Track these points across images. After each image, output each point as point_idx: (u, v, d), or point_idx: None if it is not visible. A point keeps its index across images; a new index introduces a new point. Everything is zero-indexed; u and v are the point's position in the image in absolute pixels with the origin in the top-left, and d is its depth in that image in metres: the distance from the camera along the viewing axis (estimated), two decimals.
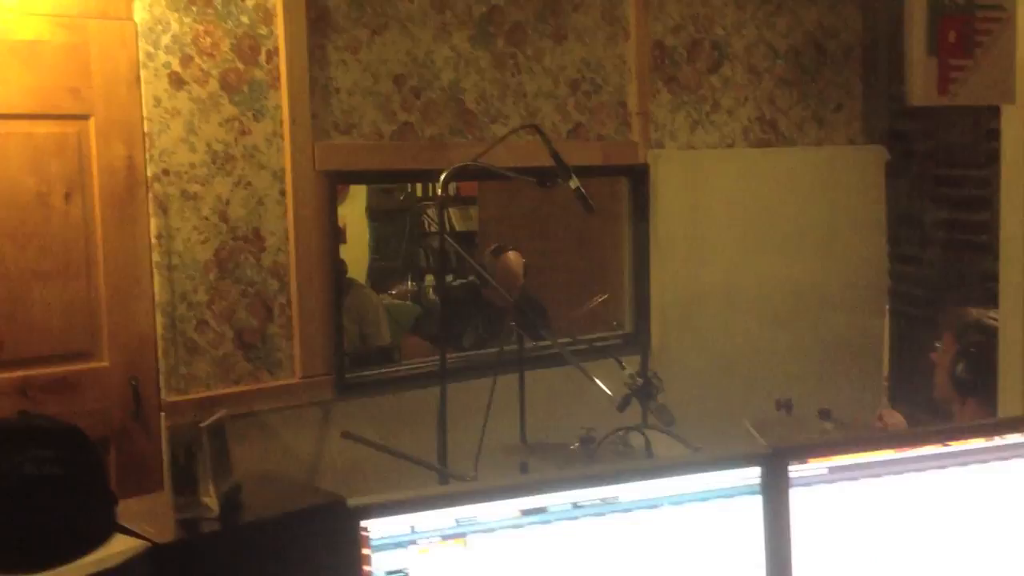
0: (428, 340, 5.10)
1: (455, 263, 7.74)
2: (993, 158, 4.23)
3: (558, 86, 4.03)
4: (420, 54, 3.71)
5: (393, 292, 6.56)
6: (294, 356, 3.57)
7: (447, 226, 7.95)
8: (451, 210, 7.62)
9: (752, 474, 1.61)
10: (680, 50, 4.30)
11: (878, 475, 1.64)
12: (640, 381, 3.18)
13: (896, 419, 3.30)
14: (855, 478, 1.64)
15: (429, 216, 7.42)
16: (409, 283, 6.93)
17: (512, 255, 4.83)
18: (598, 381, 3.23)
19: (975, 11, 2.37)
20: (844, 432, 3.44)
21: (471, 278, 5.30)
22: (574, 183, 3.15)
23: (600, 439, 3.03)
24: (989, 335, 2.78)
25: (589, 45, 4.08)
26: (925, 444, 1.67)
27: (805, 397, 3.58)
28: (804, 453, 1.62)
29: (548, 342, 3.62)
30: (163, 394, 3.34)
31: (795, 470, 1.61)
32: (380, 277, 7.22)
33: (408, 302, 6.52)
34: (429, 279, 7.33)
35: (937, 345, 3.00)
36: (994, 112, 4.11)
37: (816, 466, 1.62)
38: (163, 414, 3.33)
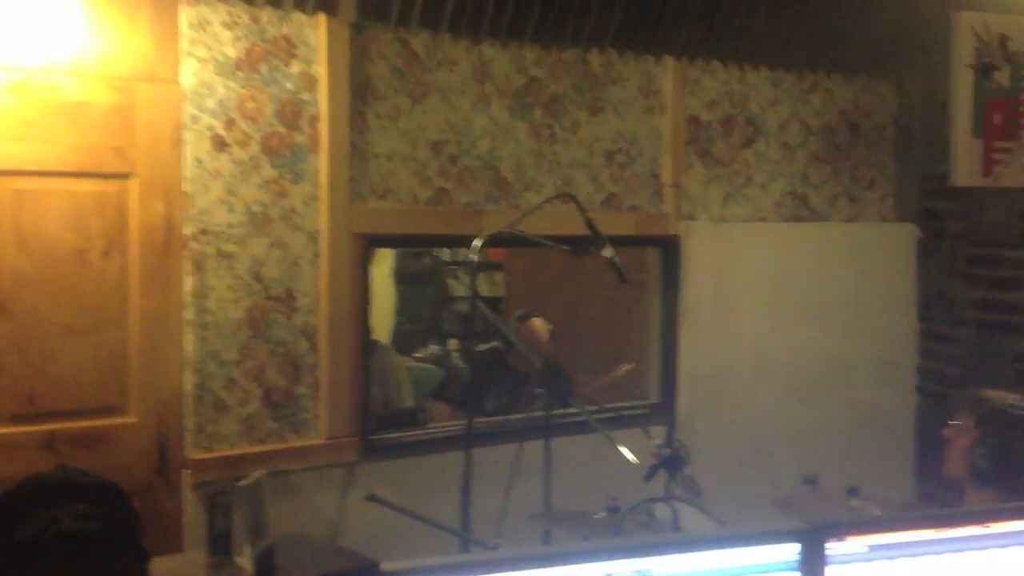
0: (451, 404, 5.08)
1: (479, 327, 7.71)
2: None
3: (593, 157, 4.07)
4: (459, 122, 3.77)
5: (418, 355, 6.54)
6: (320, 417, 3.57)
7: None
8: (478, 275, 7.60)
9: (790, 550, 1.59)
10: (715, 125, 4.35)
11: (917, 555, 1.62)
12: (668, 452, 3.15)
13: None
14: (893, 557, 1.62)
15: (463, 280, 7.43)
16: (434, 347, 6.92)
17: (538, 321, 4.83)
18: (625, 450, 3.20)
19: (1020, 94, 2.38)
20: (872, 510, 3.40)
21: (494, 343, 5.30)
22: (608, 252, 3.17)
23: (626, 509, 3.00)
24: (1013, 424, 2.74)
25: (625, 118, 4.13)
26: (965, 525, 1.65)
27: (831, 473, 3.55)
28: (843, 531, 1.60)
29: (575, 409, 3.60)
30: (188, 451, 3.33)
31: (833, 547, 1.59)
32: (404, 340, 7.22)
33: (432, 366, 6.50)
34: (453, 343, 7.31)
35: (953, 423, 2.93)
36: None
37: (855, 543, 1.60)
38: (187, 472, 3.32)
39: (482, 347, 5.93)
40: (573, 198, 3.26)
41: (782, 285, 4.48)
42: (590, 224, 3.20)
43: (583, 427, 3.53)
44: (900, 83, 4.80)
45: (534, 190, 3.93)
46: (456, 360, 6.61)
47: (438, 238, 4.18)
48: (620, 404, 4.25)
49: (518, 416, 4.00)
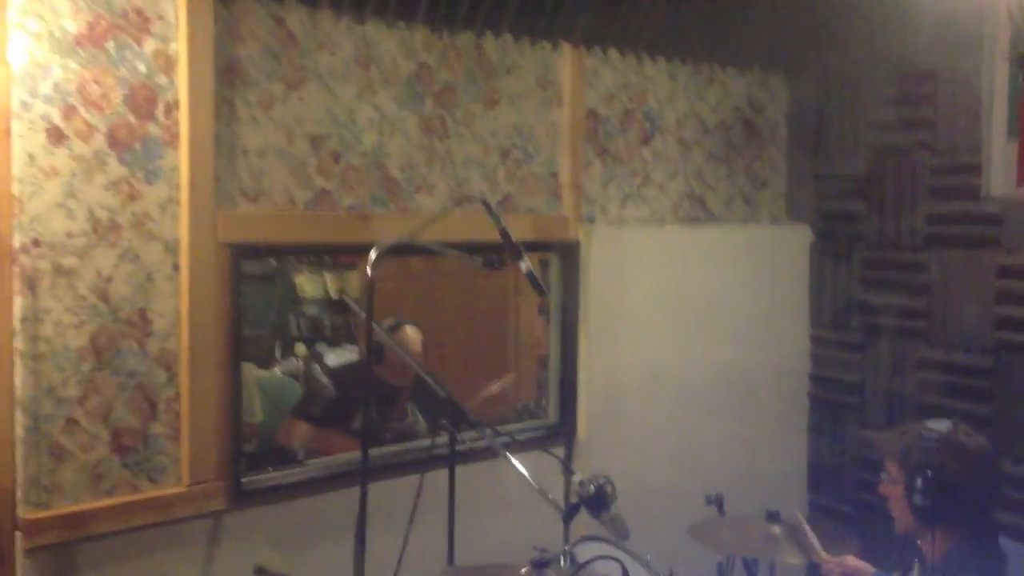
0: (313, 423, 4.62)
1: (330, 333, 7.22)
2: (931, 241, 4.12)
3: (488, 154, 3.67)
4: (341, 113, 3.30)
5: (277, 369, 5.98)
6: (181, 459, 3.06)
7: (324, 293, 7.51)
8: (327, 275, 7.16)
9: None
10: (613, 120, 4.02)
11: None
12: (592, 489, 2.84)
13: (861, 567, 3.01)
14: None
15: (312, 280, 6.93)
16: (293, 358, 6.37)
17: (410, 330, 4.45)
18: (527, 477, 2.88)
19: None
20: (795, 537, 3.18)
21: (356, 355, 4.86)
22: (525, 265, 2.82)
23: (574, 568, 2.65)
24: (935, 451, 2.61)
25: (521, 111, 3.75)
26: None
27: (735, 490, 3.35)
28: None
29: (472, 433, 3.22)
30: (20, 510, 2.80)
31: None
32: (247, 346, 6.63)
33: (287, 378, 5.96)
34: (300, 349, 6.79)
35: (883, 476, 2.78)
36: (935, 197, 4.03)
37: None
38: (19, 535, 2.79)
39: (349, 359, 5.46)
40: (486, 204, 2.87)
41: (680, 292, 4.22)
42: (505, 234, 2.82)
43: (485, 454, 3.17)
44: (790, 76, 4.63)
45: (425, 191, 3.50)
46: (317, 373, 6.09)
47: (320, 247, 3.68)
48: (516, 426, 3.89)
49: (423, 443, 3.56)
